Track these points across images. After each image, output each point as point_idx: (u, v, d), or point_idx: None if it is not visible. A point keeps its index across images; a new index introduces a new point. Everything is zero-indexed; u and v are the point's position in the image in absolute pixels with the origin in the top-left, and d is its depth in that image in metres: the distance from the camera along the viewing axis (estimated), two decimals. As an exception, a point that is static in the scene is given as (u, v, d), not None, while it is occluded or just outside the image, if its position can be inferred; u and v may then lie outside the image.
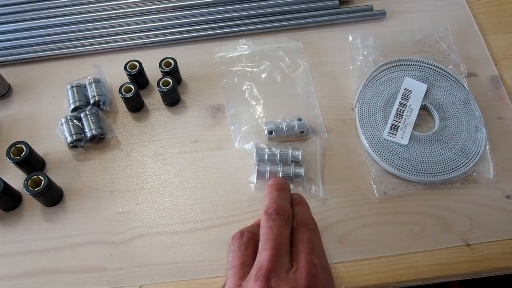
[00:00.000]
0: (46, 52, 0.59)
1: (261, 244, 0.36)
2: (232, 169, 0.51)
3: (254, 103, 0.54)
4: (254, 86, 0.55)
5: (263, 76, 0.56)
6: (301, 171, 0.48)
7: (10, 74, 0.57)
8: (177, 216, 0.48)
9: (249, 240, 0.38)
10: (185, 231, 0.47)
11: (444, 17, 0.61)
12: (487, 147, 0.50)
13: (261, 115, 0.53)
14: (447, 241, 0.46)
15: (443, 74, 0.54)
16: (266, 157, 0.49)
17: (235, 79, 0.56)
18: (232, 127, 0.53)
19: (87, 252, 0.47)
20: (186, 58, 0.58)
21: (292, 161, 0.49)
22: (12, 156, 0.48)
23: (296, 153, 0.49)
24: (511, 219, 0.46)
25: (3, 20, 0.61)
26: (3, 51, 0.59)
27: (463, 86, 0.53)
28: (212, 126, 0.54)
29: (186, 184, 0.50)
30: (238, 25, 0.60)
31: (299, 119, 0.51)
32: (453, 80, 0.54)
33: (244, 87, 0.55)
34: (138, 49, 0.60)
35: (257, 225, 0.41)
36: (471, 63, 0.56)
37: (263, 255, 0.34)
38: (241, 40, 0.59)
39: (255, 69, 0.57)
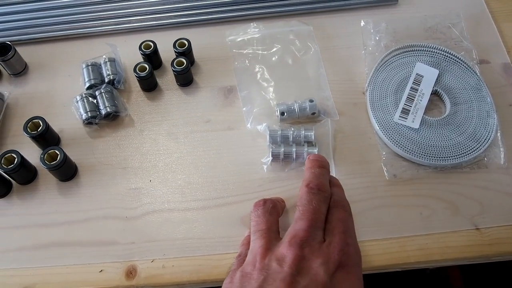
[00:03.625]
0: (62, 32, 0.57)
1: (297, 214, 0.34)
2: (244, 149, 0.49)
3: (265, 85, 0.52)
4: (265, 69, 0.53)
5: (274, 59, 0.54)
6: (315, 150, 0.46)
7: (26, 53, 0.56)
8: (188, 193, 0.47)
9: (272, 208, 0.37)
10: (196, 208, 0.46)
11: (457, 3, 0.58)
12: (498, 133, 0.47)
13: (273, 97, 0.51)
14: (457, 225, 0.44)
15: (455, 60, 0.52)
16: (279, 139, 0.47)
17: (246, 61, 0.54)
18: (244, 109, 0.51)
19: (100, 226, 0.45)
20: (199, 40, 0.56)
21: (304, 142, 0.47)
22: (29, 131, 0.47)
23: (309, 133, 0.47)
24: (521, 204, 0.44)
25: (21, -1, 0.59)
26: (20, 30, 0.57)
27: (474, 72, 0.51)
28: (224, 106, 0.52)
29: (198, 162, 0.48)
30: (249, 9, 0.58)
31: (311, 101, 0.48)
32: (464, 67, 0.51)
33: (256, 70, 0.53)
34: (152, 31, 0.58)
35: (277, 199, 0.40)
36: (483, 50, 0.54)
37: (298, 224, 0.33)
38: (252, 23, 0.57)
39: (266, 52, 0.54)
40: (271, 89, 0.51)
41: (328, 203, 0.36)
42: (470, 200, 0.45)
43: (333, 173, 0.46)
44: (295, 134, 0.47)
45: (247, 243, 0.38)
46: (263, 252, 0.33)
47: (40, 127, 0.47)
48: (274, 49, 0.55)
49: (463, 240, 0.43)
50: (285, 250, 0.32)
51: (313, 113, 0.49)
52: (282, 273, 0.30)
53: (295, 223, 0.34)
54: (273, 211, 0.37)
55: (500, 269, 0.77)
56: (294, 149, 0.46)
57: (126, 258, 0.43)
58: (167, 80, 0.54)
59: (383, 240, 0.43)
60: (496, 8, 0.57)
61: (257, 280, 0.31)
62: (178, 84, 0.53)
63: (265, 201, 0.38)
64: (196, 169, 0.48)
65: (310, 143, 0.47)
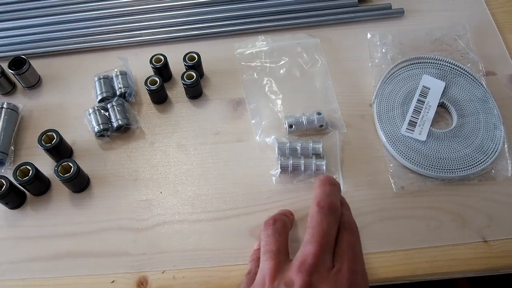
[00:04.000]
0: (74, 45, 0.58)
1: (307, 237, 0.34)
2: (253, 161, 0.49)
3: (273, 97, 0.52)
4: (273, 81, 0.54)
5: (281, 71, 0.55)
6: (323, 163, 0.46)
7: (40, 66, 0.57)
8: (198, 205, 0.47)
9: (282, 228, 0.37)
10: (206, 220, 0.46)
11: (463, 16, 0.58)
12: (506, 145, 0.47)
13: (281, 109, 0.51)
14: (465, 237, 0.44)
15: (461, 72, 0.52)
16: (288, 151, 0.48)
17: (255, 74, 0.55)
18: (253, 121, 0.51)
19: (112, 237, 0.46)
20: (208, 53, 0.56)
21: (313, 154, 0.48)
22: (44, 143, 0.48)
23: (317, 146, 0.47)
24: (528, 217, 0.45)
25: (35, 14, 0.60)
26: (35, 43, 0.58)
27: (481, 84, 0.51)
28: (233, 119, 0.52)
29: (207, 174, 0.49)
30: (258, 22, 0.59)
31: (319, 113, 0.49)
32: (471, 78, 0.52)
33: (264, 82, 0.54)
34: (162, 44, 0.59)
35: (284, 214, 0.40)
36: (489, 62, 0.54)
37: (308, 248, 0.33)
38: (260, 36, 0.57)
39: (274, 65, 0.55)
40: (279, 101, 0.52)
41: (338, 225, 0.36)
42: (477, 212, 0.45)
43: (341, 185, 0.47)
44: (303, 146, 0.48)
45: (256, 258, 0.39)
46: (272, 274, 0.34)
47: (54, 140, 0.48)
48: (282, 62, 0.55)
49: (471, 252, 0.43)
50: (294, 275, 0.32)
51: (321, 126, 0.49)
52: None
53: (305, 245, 0.34)
54: (283, 231, 0.38)
55: (508, 279, 0.77)
56: (302, 161, 0.47)
57: (138, 269, 0.44)
58: (177, 92, 0.55)
59: (390, 252, 0.43)
60: (502, 20, 0.57)
61: None
62: (187, 97, 0.54)
63: (274, 220, 0.38)
64: (206, 180, 0.49)
65: (318, 156, 0.48)
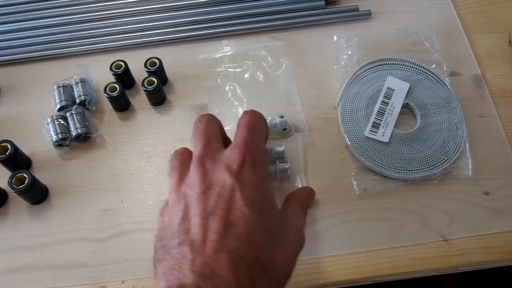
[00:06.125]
0: (33, 53, 0.61)
1: (193, 144, 0.38)
2: (215, 167, 0.53)
3: (237, 103, 0.56)
4: (237, 86, 0.58)
5: (246, 76, 0.59)
6: (286, 166, 0.50)
7: (-2, 75, 0.60)
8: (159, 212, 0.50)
9: (184, 149, 0.40)
10: (167, 228, 0.50)
11: (430, 17, 0.63)
12: (467, 145, 0.52)
13: (244, 113, 0.55)
14: (425, 237, 0.48)
15: (426, 73, 0.57)
16: None
17: (218, 80, 0.58)
18: (216, 126, 0.55)
19: (71, 249, 0.49)
20: (172, 58, 0.60)
21: (276, 159, 0.51)
22: (-3, 155, 0.51)
23: (280, 149, 0.51)
24: (488, 215, 0.48)
25: (-9, 22, 0.64)
26: (-9, 52, 0.62)
27: (445, 85, 0.56)
28: (197, 125, 0.56)
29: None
30: (222, 26, 0.63)
31: (281, 116, 0.53)
32: (435, 79, 0.56)
33: (227, 88, 0.58)
34: (125, 50, 0.62)
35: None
36: (455, 62, 0.58)
37: (195, 148, 0.37)
38: (223, 41, 0.61)
39: (238, 70, 0.59)
40: (243, 106, 0.56)
41: (218, 121, 0.40)
42: (438, 212, 0.49)
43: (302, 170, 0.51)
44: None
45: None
46: (175, 185, 0.37)
47: (8, 151, 0.50)
48: (246, 66, 0.59)
49: (432, 251, 0.47)
50: (191, 174, 0.36)
51: (284, 129, 0.53)
52: (195, 195, 0.34)
53: (194, 151, 0.38)
54: (185, 152, 0.40)
55: (497, 276, 0.81)
56: None
57: (97, 280, 0.47)
58: (140, 99, 0.58)
59: (352, 254, 0.47)
60: (468, 20, 0.62)
61: (180, 210, 0.35)
62: (150, 104, 0.58)
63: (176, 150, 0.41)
64: (168, 188, 0.52)
65: (281, 159, 0.51)
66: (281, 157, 0.51)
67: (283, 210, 0.41)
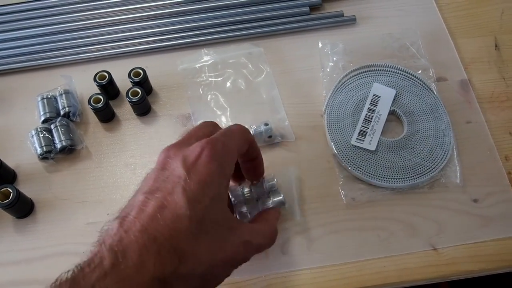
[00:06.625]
0: (17, 64, 0.60)
1: None
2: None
3: (220, 112, 0.56)
4: (219, 95, 0.57)
5: (227, 84, 0.58)
6: (281, 200, 0.47)
7: (-19, 87, 0.59)
8: (146, 226, 0.50)
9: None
10: (154, 241, 0.49)
11: (415, 22, 0.62)
12: (454, 152, 0.51)
13: (229, 123, 0.55)
14: (414, 246, 0.47)
15: (412, 79, 0.56)
16: (242, 198, 0.47)
17: (200, 90, 0.58)
18: (202, 136, 0.54)
19: (58, 263, 0.48)
20: (156, 67, 0.59)
21: (269, 192, 0.48)
22: (-19, 170, 0.50)
23: (271, 183, 0.48)
24: (477, 223, 0.48)
25: (-26, 32, 0.63)
26: (-26, 64, 0.61)
27: (431, 90, 0.55)
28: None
29: (156, 193, 0.52)
30: (203, 34, 0.62)
31: (266, 124, 0.52)
32: (422, 85, 0.56)
33: (209, 97, 0.57)
34: (108, 60, 0.61)
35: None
36: (441, 67, 0.58)
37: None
38: (202, 50, 0.61)
39: (219, 79, 0.58)
40: (226, 115, 0.55)
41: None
42: (427, 221, 0.48)
43: (297, 216, 0.50)
44: (258, 191, 0.47)
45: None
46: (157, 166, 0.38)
47: (-8, 165, 0.50)
48: (227, 75, 0.59)
49: (421, 261, 0.46)
50: (157, 158, 0.38)
51: (270, 136, 0.52)
52: (149, 177, 0.37)
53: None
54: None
55: (492, 280, 0.81)
56: (260, 206, 0.47)
57: (83, 295, 0.46)
58: (125, 110, 0.58)
59: (341, 265, 0.46)
60: (453, 25, 0.62)
61: (149, 182, 0.36)
62: (135, 114, 0.57)
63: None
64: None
65: (274, 192, 0.48)
66: (274, 189, 0.48)
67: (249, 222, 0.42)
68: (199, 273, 0.33)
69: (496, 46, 0.60)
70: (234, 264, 0.37)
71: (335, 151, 0.52)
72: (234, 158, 0.39)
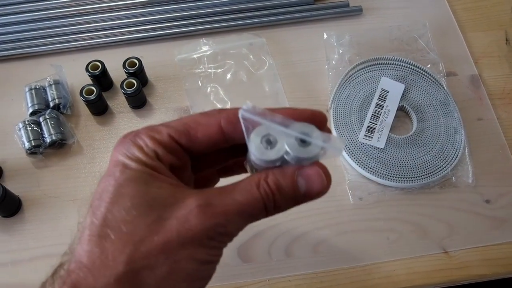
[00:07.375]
0: (3, 52, 0.57)
1: None
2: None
3: (220, 106, 0.53)
4: (219, 88, 0.54)
5: (228, 76, 0.55)
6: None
7: (-35, 76, 0.55)
8: (142, 226, 0.47)
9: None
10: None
11: (423, 13, 0.60)
12: (466, 150, 0.49)
13: (231, 117, 0.52)
14: (425, 249, 0.45)
15: (421, 73, 0.54)
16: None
17: (199, 82, 0.55)
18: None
19: (46, 265, 0.43)
20: (152, 57, 0.56)
21: None
22: (-37, 165, 0.46)
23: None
24: (490, 225, 0.46)
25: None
26: (-43, 51, 0.57)
27: (441, 86, 0.53)
28: (181, 129, 0.52)
29: (152, 191, 0.49)
30: (201, 23, 0.59)
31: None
32: (431, 80, 0.53)
33: (209, 90, 0.54)
34: (101, 48, 0.58)
35: None
36: (450, 62, 0.56)
37: None
38: (201, 40, 0.57)
39: (219, 70, 0.55)
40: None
41: None
42: (438, 222, 0.46)
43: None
44: None
45: None
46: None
47: (-23, 161, 0.47)
48: (227, 66, 0.56)
49: (431, 264, 0.44)
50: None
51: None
52: None
53: None
54: None
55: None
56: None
57: (75, 300, 0.43)
58: (118, 102, 0.54)
59: (349, 269, 0.44)
60: (463, 17, 0.59)
61: None
62: (130, 107, 0.54)
63: None
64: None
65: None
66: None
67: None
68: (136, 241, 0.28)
69: (507, 40, 0.58)
70: (192, 240, 0.26)
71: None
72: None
